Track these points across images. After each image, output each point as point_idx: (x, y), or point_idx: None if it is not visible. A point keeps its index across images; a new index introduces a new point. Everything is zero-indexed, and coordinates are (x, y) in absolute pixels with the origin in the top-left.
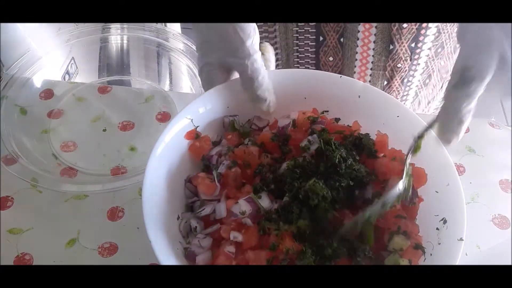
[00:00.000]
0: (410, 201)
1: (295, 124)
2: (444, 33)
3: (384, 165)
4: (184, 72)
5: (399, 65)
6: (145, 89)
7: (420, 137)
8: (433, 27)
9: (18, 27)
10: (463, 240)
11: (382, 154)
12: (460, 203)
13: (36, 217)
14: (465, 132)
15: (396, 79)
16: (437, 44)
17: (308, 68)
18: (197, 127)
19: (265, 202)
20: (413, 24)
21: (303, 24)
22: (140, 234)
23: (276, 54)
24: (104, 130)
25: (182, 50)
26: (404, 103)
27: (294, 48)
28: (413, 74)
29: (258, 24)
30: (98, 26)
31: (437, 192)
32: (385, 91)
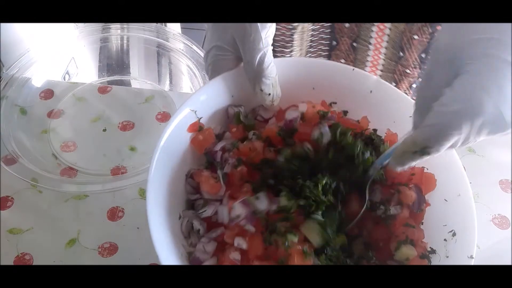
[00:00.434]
0: (418, 207)
1: (304, 117)
2: None
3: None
4: (184, 72)
5: (407, 70)
6: (145, 89)
7: (383, 167)
8: None
9: (18, 27)
10: (473, 258)
11: None
12: (471, 218)
13: (36, 217)
14: None
15: (404, 83)
16: None
17: None
18: (200, 118)
19: (262, 203)
20: (424, 37)
21: (319, 26)
22: (140, 234)
23: (291, 52)
24: (104, 130)
25: (182, 50)
26: None
27: (308, 50)
28: None
29: (282, 32)
30: (98, 26)
31: (446, 200)
32: None
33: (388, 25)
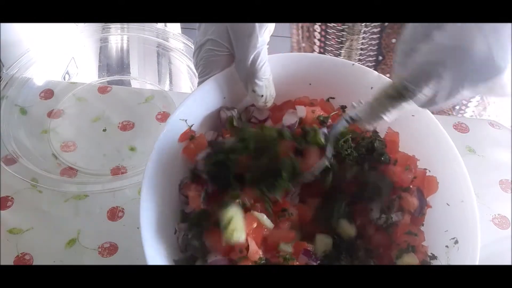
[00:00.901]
0: (419, 212)
1: (302, 123)
2: None
3: (396, 175)
4: (184, 72)
5: None
6: (145, 89)
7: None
8: None
9: (18, 27)
10: None
11: (394, 160)
12: (474, 227)
13: (36, 217)
14: (465, 132)
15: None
16: None
17: None
18: (192, 126)
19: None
20: None
21: (367, 46)
22: (140, 234)
23: None
24: (104, 130)
25: (182, 50)
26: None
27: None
28: (467, 104)
29: (331, 37)
30: (98, 26)
31: (448, 205)
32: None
33: None
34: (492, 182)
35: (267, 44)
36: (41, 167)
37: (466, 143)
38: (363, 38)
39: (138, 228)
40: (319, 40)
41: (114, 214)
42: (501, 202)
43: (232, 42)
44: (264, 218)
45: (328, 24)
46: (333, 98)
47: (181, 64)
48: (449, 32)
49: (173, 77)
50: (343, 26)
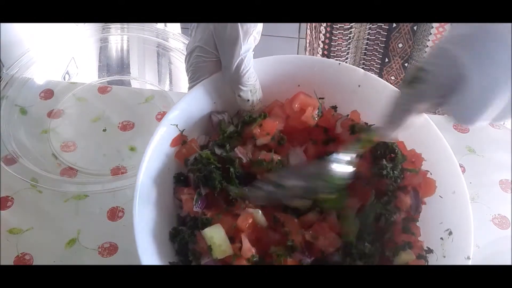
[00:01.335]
0: (415, 210)
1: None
2: None
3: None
4: (184, 72)
5: None
6: (145, 89)
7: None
8: None
9: (18, 27)
10: (470, 259)
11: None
12: (467, 217)
13: (36, 217)
14: (465, 132)
15: None
16: None
17: None
18: (183, 131)
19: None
20: None
21: (373, 43)
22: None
23: (346, 60)
24: (104, 130)
25: (182, 50)
26: None
27: (361, 65)
28: None
29: (338, 43)
30: (98, 26)
31: (441, 197)
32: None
33: None
34: (492, 182)
35: (253, 51)
36: (41, 167)
37: (466, 143)
38: (368, 39)
39: None
40: (323, 42)
41: (114, 214)
42: (501, 202)
43: (216, 48)
44: (259, 215)
45: (334, 25)
46: (322, 98)
47: (181, 64)
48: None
49: (173, 77)
50: (348, 26)
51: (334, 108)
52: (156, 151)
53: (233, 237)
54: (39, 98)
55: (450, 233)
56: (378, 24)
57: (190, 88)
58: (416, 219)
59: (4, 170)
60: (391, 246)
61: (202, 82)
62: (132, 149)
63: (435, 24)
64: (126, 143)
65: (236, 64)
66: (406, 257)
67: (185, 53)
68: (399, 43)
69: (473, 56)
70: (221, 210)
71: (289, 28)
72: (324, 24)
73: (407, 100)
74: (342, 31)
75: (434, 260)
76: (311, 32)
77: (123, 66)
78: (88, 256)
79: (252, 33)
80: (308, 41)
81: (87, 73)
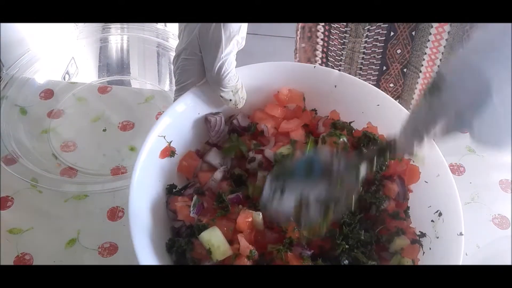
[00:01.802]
0: (403, 198)
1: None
2: None
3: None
4: None
5: None
6: (145, 89)
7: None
8: None
9: (18, 27)
10: (463, 234)
11: None
12: (453, 196)
13: (36, 217)
14: (465, 132)
15: None
16: None
17: None
18: (171, 142)
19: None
20: None
21: (370, 51)
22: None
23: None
24: (104, 130)
25: None
26: None
27: (358, 72)
28: None
29: (334, 37)
30: (98, 26)
31: (426, 182)
32: None
33: (439, 54)
34: (492, 182)
35: (236, 55)
36: (41, 167)
37: (466, 143)
38: (366, 42)
39: None
40: (322, 40)
41: (114, 214)
42: (501, 202)
43: (200, 52)
44: (259, 218)
45: (332, 24)
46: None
47: None
48: (489, 29)
49: (173, 77)
50: (346, 28)
51: (315, 111)
52: (145, 165)
53: (231, 240)
54: (39, 98)
55: (440, 214)
56: (375, 37)
57: (176, 90)
58: (405, 206)
59: (4, 170)
60: (385, 233)
61: (190, 91)
62: (132, 149)
63: (433, 30)
64: (126, 143)
65: (217, 66)
66: (401, 243)
67: None
68: (398, 49)
69: (498, 71)
70: (218, 214)
71: (289, 28)
72: (322, 24)
73: (426, 112)
74: (338, 32)
75: (428, 242)
76: (298, 31)
77: (123, 66)
78: (88, 256)
79: (235, 38)
80: (296, 40)
81: (87, 73)
